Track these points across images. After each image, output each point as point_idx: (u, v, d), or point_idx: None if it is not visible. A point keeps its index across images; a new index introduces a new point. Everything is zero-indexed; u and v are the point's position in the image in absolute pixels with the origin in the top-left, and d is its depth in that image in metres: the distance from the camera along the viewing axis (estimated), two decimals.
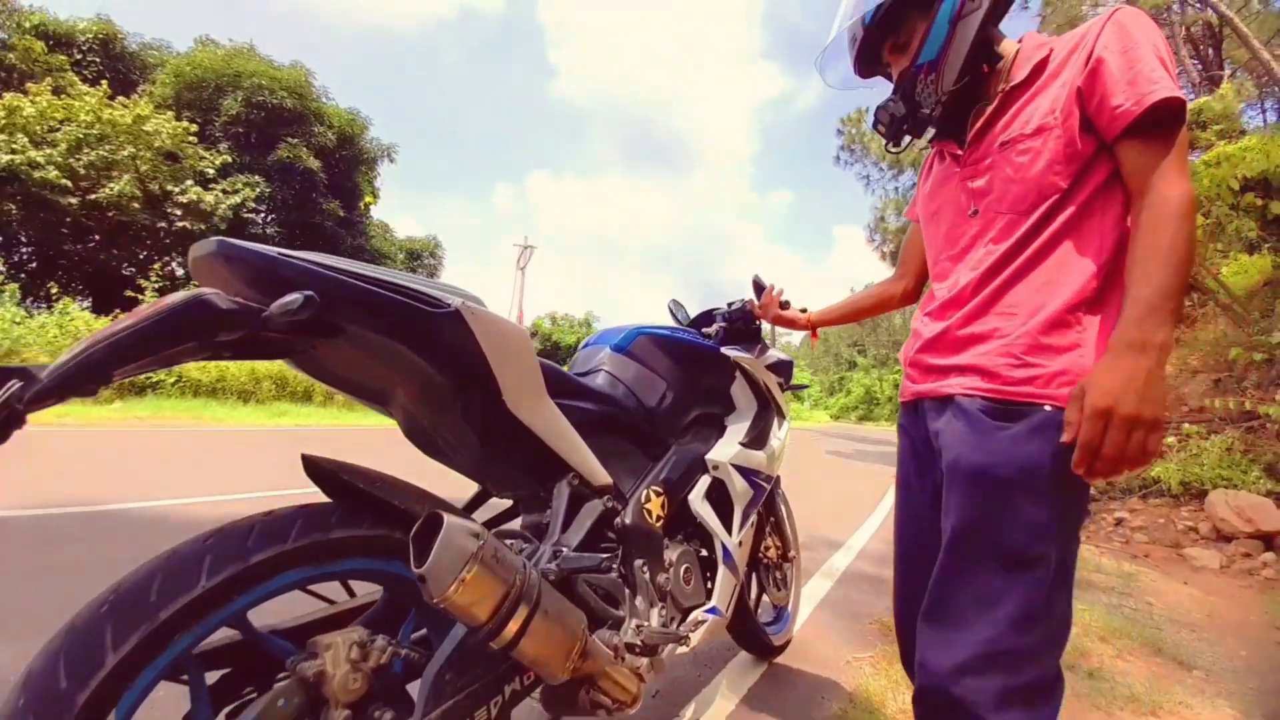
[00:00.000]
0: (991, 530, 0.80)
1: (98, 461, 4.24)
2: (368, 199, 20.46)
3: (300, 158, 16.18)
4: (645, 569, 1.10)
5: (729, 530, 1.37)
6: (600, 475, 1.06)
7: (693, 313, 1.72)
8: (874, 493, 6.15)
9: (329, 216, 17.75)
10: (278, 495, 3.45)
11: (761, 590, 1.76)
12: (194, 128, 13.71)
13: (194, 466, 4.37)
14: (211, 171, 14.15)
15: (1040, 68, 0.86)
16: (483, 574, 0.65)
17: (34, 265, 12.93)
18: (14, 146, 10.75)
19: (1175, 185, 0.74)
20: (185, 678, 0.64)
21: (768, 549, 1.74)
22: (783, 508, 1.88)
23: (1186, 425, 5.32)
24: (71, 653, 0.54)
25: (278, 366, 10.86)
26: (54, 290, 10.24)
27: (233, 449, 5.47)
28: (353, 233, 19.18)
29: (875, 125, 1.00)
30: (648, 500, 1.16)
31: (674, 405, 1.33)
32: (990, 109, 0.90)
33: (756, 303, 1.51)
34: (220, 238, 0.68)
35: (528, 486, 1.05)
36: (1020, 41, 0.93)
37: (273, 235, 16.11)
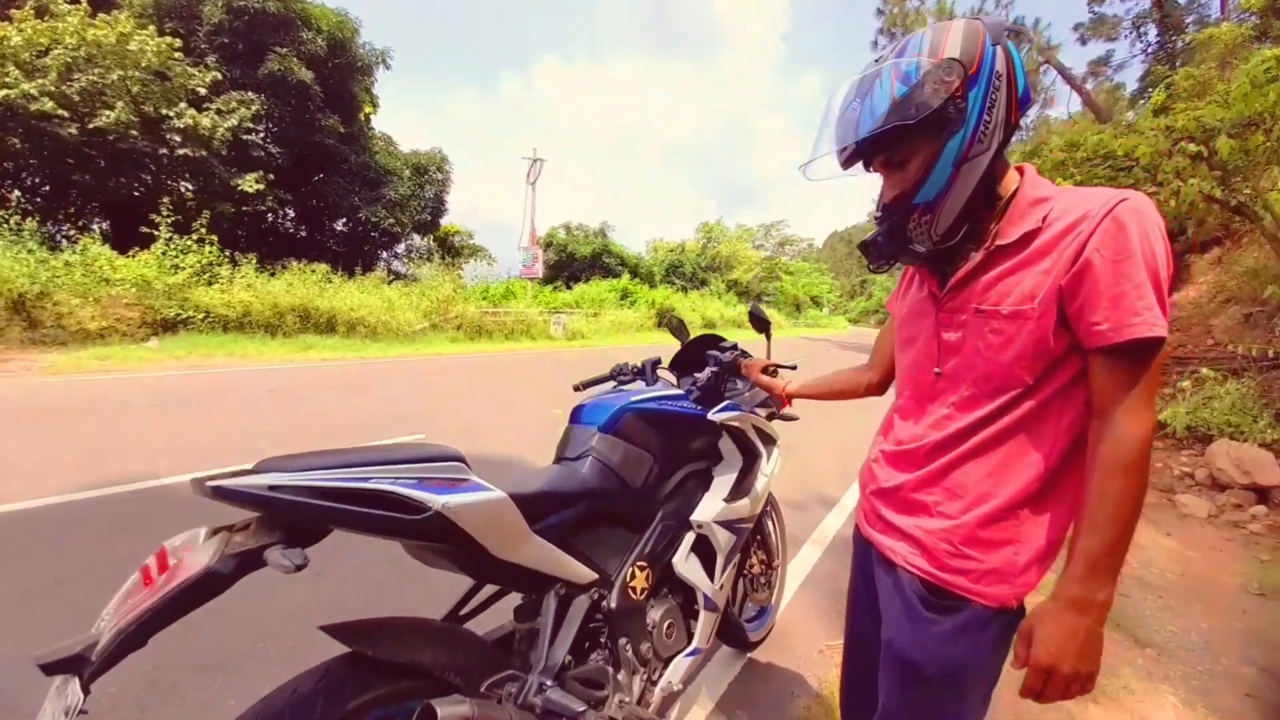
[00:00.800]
0: (914, 714, 0.94)
1: (157, 423, 4.57)
2: (367, 109, 19.51)
3: (292, 69, 15.33)
4: (628, 645, 1.26)
5: (712, 578, 1.52)
6: (584, 576, 1.18)
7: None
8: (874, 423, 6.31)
9: (329, 134, 17.11)
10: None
11: (745, 595, 1.95)
12: (177, 42, 12.98)
13: (245, 417, 4.69)
14: (203, 90, 13.57)
15: (1031, 236, 0.82)
16: None
17: (46, 196, 13.01)
18: (6, 80, 10.46)
19: (1137, 422, 0.75)
20: None
21: (752, 566, 1.90)
22: (770, 523, 2.02)
23: (1205, 369, 5.25)
24: None
25: (300, 299, 11.09)
26: (70, 230, 10.40)
27: (269, 396, 5.79)
28: (355, 148, 18.55)
29: (861, 247, 0.97)
30: (632, 578, 1.29)
31: (660, 475, 1.43)
32: (974, 263, 0.87)
33: (744, 358, 1.55)
34: (213, 482, 0.76)
35: (520, 591, 1.19)
36: (1021, 177, 0.87)
37: (275, 155, 15.67)
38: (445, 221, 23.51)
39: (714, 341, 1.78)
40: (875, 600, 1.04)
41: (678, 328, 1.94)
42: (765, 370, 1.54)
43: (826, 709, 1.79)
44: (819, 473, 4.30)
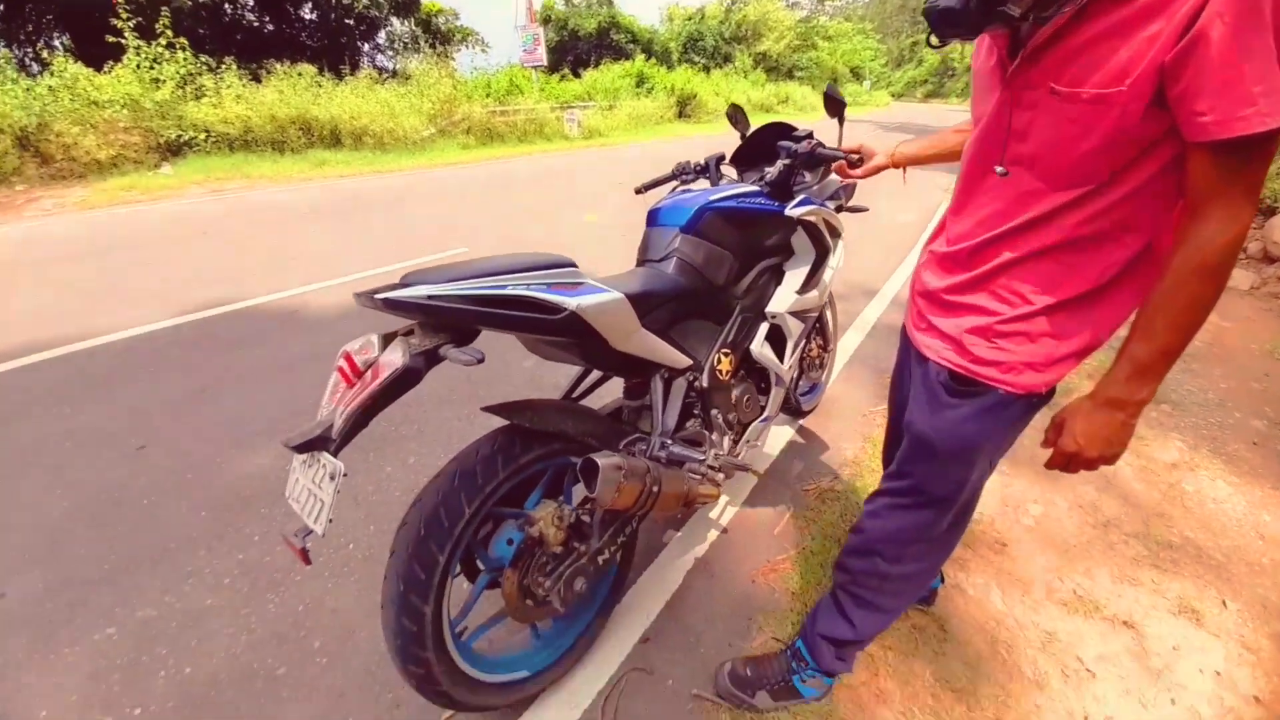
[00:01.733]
0: (923, 479, 1.05)
1: (217, 249, 4.72)
2: None
3: None
4: (718, 415, 1.48)
5: (783, 361, 1.69)
6: (681, 361, 1.35)
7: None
8: (920, 217, 6.12)
9: None
10: (373, 274, 3.92)
11: (802, 373, 2.18)
12: None
13: (297, 239, 4.81)
14: None
15: None
16: (627, 487, 1.03)
17: (2, 18, 11.53)
18: None
19: (1230, 224, 0.68)
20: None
21: (811, 350, 2.09)
22: (828, 313, 2.15)
23: None
24: (432, 527, 0.98)
25: (299, 111, 10.31)
26: (35, 52, 9.35)
27: (311, 216, 5.81)
28: None
29: (931, 13, 0.77)
30: (718, 363, 1.47)
31: (739, 273, 1.51)
32: (1057, 25, 0.71)
33: (821, 148, 1.49)
34: (380, 294, 0.87)
35: (626, 376, 1.37)
36: None
37: None
38: None
39: (783, 131, 1.69)
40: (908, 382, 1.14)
41: (738, 119, 1.82)
42: (853, 161, 1.47)
43: (875, 451, 2.13)
44: (862, 266, 4.33)
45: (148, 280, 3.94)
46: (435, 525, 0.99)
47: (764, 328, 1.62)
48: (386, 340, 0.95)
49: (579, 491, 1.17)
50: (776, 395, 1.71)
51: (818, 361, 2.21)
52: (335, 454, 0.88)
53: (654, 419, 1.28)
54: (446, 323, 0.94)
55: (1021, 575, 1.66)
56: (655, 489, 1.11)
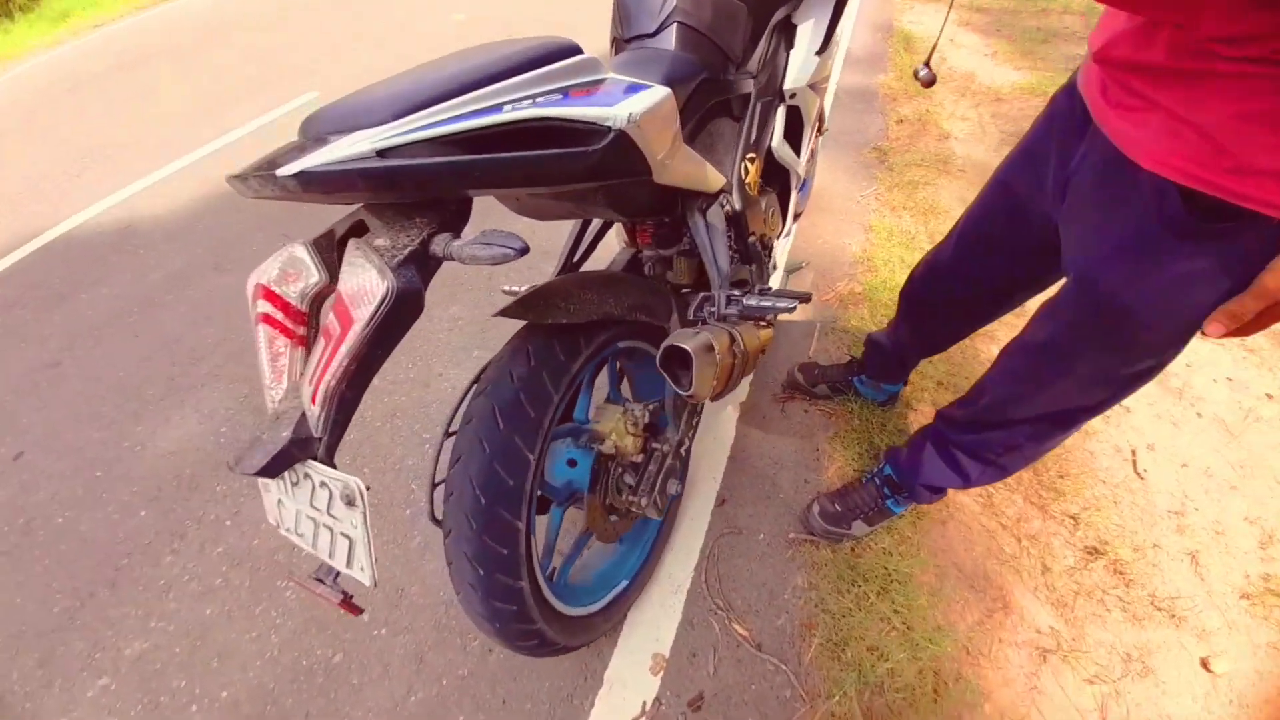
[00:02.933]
0: (1094, 365, 0.78)
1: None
2: None
3: None
4: (755, 241, 1.19)
5: (798, 153, 1.36)
6: (715, 181, 1.00)
7: None
8: None
9: None
10: (215, 150, 2.98)
11: None
12: None
13: (74, 132, 3.54)
14: None
15: None
16: (722, 365, 0.78)
17: None
18: None
19: None
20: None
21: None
22: None
23: None
24: (495, 492, 0.74)
25: None
26: None
27: (70, 94, 4.26)
28: None
29: None
30: (745, 174, 1.13)
31: (754, 34, 1.09)
32: None
33: None
34: (288, 169, 0.48)
35: (657, 218, 1.02)
36: None
37: None
38: None
39: None
40: (1061, 189, 0.76)
41: None
42: None
43: (881, 241, 1.95)
44: None
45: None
46: (497, 487, 0.73)
47: (782, 112, 1.25)
48: (320, 249, 0.57)
49: (650, 379, 0.92)
50: (796, 202, 1.42)
51: (812, 149, 1.87)
52: (330, 458, 0.56)
53: (710, 267, 0.98)
54: (416, 195, 0.56)
55: None
56: (742, 355, 0.86)
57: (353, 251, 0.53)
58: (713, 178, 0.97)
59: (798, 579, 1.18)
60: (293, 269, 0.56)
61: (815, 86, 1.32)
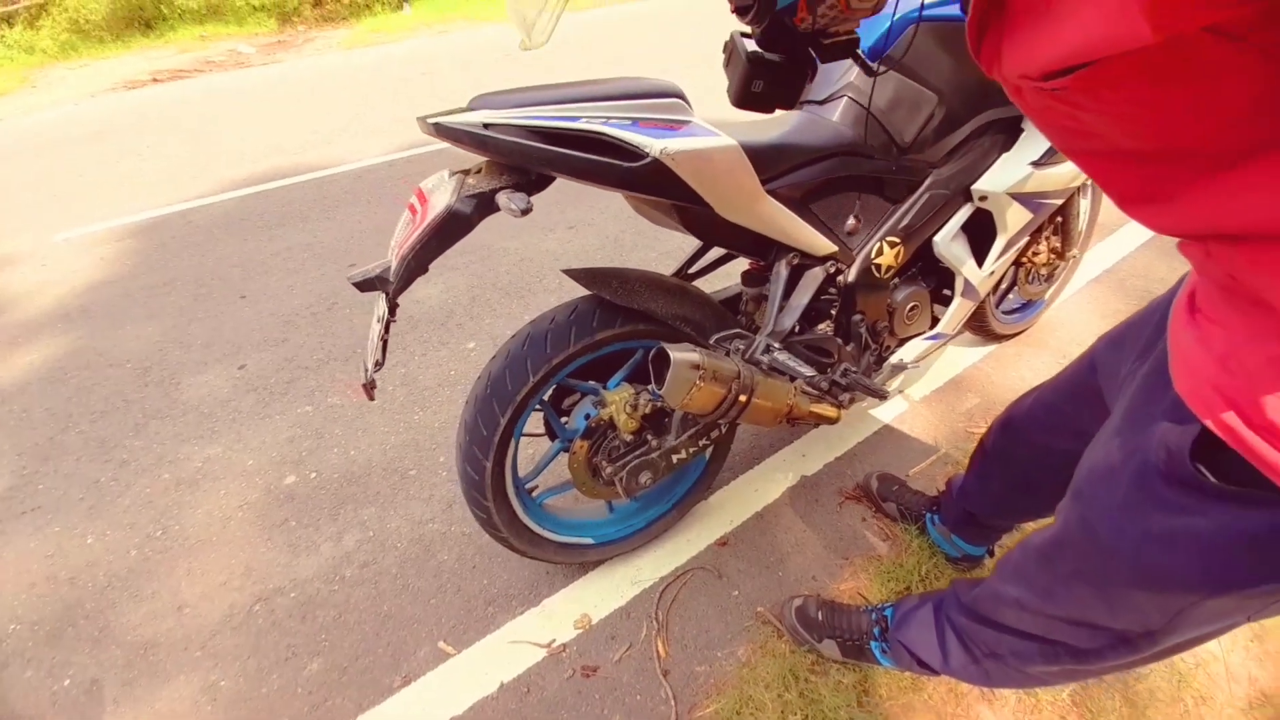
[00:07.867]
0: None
1: (420, 94, 5.13)
2: None
3: None
4: (862, 322, 1.16)
5: (982, 263, 1.25)
6: (821, 247, 1.04)
7: None
8: None
9: None
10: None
11: (1013, 284, 1.63)
12: None
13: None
14: None
15: None
16: (704, 390, 0.86)
17: None
18: None
19: None
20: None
21: (1037, 254, 1.52)
22: (1081, 202, 1.51)
23: None
24: (497, 387, 0.95)
25: None
26: None
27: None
28: None
29: None
30: (878, 254, 1.12)
31: (943, 125, 1.07)
32: None
33: None
34: (434, 119, 0.75)
35: (748, 256, 1.11)
36: None
37: None
38: None
39: None
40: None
41: None
42: None
43: None
44: None
45: (378, 119, 4.43)
46: (500, 385, 0.95)
47: (963, 212, 1.18)
48: (458, 176, 0.85)
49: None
50: (960, 309, 1.30)
51: (1044, 273, 1.62)
52: (394, 296, 0.85)
53: (767, 315, 1.04)
54: (511, 161, 0.80)
55: None
56: (743, 399, 0.91)
57: (452, 179, 0.80)
58: (812, 239, 1.02)
59: (741, 649, 1.15)
60: (438, 183, 0.86)
61: (1032, 200, 1.20)
